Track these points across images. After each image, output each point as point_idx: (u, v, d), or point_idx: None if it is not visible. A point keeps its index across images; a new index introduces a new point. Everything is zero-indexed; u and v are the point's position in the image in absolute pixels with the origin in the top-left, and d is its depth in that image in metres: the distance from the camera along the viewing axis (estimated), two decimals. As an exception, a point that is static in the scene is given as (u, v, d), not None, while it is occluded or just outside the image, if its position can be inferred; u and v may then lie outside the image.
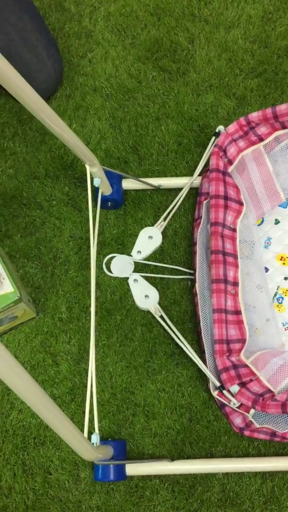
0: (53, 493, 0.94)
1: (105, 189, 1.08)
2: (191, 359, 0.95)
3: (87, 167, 0.97)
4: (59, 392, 1.00)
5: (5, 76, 0.67)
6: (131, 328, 1.04)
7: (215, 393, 0.87)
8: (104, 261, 1.09)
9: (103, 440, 0.93)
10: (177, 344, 0.98)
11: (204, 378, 0.99)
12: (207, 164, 1.06)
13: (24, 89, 0.71)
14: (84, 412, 0.98)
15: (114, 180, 1.10)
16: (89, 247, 1.11)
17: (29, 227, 1.13)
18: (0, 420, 0.97)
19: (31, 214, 1.14)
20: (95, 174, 1.00)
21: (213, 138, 1.04)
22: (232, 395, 0.83)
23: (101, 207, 1.11)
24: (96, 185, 1.01)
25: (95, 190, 1.07)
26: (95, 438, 0.81)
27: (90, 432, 0.93)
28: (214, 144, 1.01)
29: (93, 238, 0.96)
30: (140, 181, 1.10)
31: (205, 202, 1.02)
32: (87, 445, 0.74)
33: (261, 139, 1.01)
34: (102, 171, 1.01)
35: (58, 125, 0.81)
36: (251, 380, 0.84)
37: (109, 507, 0.93)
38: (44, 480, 0.94)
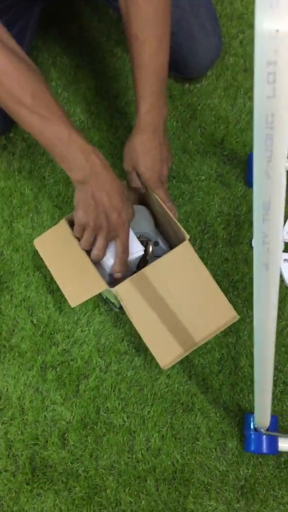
0: (200, 459, 0.94)
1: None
2: None
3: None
4: (206, 362, 1.00)
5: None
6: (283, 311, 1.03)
7: None
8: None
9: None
10: None
11: None
12: None
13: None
14: (232, 384, 0.98)
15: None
16: (238, 224, 1.11)
17: (177, 200, 1.14)
18: (149, 382, 0.98)
19: (180, 187, 1.15)
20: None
21: None
22: None
23: (251, 185, 1.11)
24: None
25: (249, 168, 1.07)
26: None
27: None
28: None
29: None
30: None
31: None
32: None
33: None
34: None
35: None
36: None
37: (257, 480, 0.92)
38: (192, 445, 0.95)
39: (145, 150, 0.87)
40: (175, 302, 0.87)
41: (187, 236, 0.88)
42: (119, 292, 0.86)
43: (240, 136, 1.19)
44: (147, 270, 0.87)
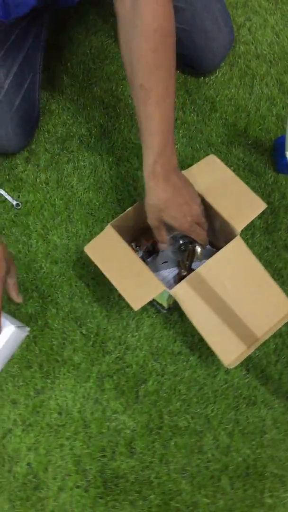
0: (270, 452, 0.93)
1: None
2: None
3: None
4: (261, 353, 1.00)
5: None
6: None
7: None
8: (293, 225, 1.08)
9: None
10: None
11: None
12: None
13: None
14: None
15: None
16: (273, 211, 1.10)
17: (209, 194, 1.12)
18: (208, 380, 0.98)
19: (209, 180, 1.13)
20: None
21: None
22: None
23: (281, 171, 1.11)
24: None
25: (276, 153, 1.06)
26: None
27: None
28: None
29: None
30: None
31: None
32: None
33: None
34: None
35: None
36: None
37: None
38: (260, 439, 0.94)
39: (165, 202, 0.81)
40: (232, 299, 0.86)
41: (238, 231, 0.87)
42: (177, 293, 0.85)
43: (263, 123, 1.18)
44: (202, 269, 0.86)
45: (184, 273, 0.95)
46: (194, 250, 0.91)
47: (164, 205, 0.80)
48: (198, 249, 0.90)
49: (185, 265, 0.96)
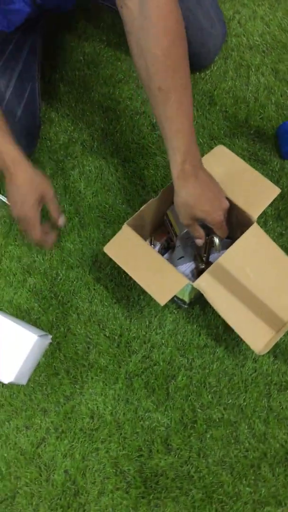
0: (306, 435, 0.93)
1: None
2: None
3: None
4: (287, 338, 1.00)
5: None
6: None
7: None
8: (304, 209, 1.09)
9: None
10: None
11: None
12: None
13: None
14: None
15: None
16: (283, 197, 1.11)
17: (217, 186, 1.13)
18: (237, 370, 0.98)
19: (216, 173, 1.14)
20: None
21: None
22: None
23: (286, 157, 1.11)
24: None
25: (280, 140, 1.07)
26: None
27: None
28: None
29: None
30: None
31: None
32: None
33: None
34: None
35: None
36: None
37: None
38: (295, 423, 0.94)
39: (197, 197, 0.81)
40: (256, 286, 0.86)
41: (255, 219, 0.88)
42: (200, 285, 0.85)
43: (263, 112, 1.19)
44: (222, 259, 0.86)
45: (202, 266, 0.96)
46: (212, 241, 0.92)
47: (196, 202, 0.80)
48: (216, 240, 0.90)
49: (202, 258, 0.96)
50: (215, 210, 0.81)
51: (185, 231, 0.94)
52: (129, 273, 0.85)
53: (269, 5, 1.30)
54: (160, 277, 0.85)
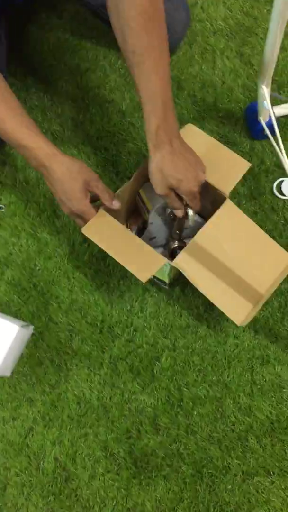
0: (290, 405, 0.95)
1: (266, 115, 1.09)
2: None
3: (264, 88, 0.99)
4: (266, 313, 1.02)
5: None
6: None
7: None
8: (274, 186, 1.11)
9: None
10: None
11: None
12: None
13: None
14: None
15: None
16: (255, 176, 1.13)
17: (189, 169, 1.14)
18: (219, 348, 0.99)
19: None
20: (265, 97, 1.02)
21: None
22: None
23: (256, 137, 1.14)
24: (267, 109, 1.02)
25: (249, 120, 1.09)
26: None
27: None
28: None
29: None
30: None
31: None
32: None
33: None
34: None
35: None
36: None
37: None
38: (279, 394, 0.96)
39: (171, 164, 0.79)
40: (233, 261, 0.88)
41: (227, 194, 0.89)
42: (179, 263, 0.86)
43: (230, 94, 1.20)
44: (198, 237, 0.87)
45: (175, 245, 0.96)
46: (186, 214, 0.90)
47: (169, 169, 0.79)
48: (190, 212, 0.89)
49: (177, 234, 0.96)
50: (189, 180, 0.81)
51: (157, 205, 0.95)
52: (108, 253, 0.85)
53: (230, -11, 1.32)
54: (140, 256, 0.85)
